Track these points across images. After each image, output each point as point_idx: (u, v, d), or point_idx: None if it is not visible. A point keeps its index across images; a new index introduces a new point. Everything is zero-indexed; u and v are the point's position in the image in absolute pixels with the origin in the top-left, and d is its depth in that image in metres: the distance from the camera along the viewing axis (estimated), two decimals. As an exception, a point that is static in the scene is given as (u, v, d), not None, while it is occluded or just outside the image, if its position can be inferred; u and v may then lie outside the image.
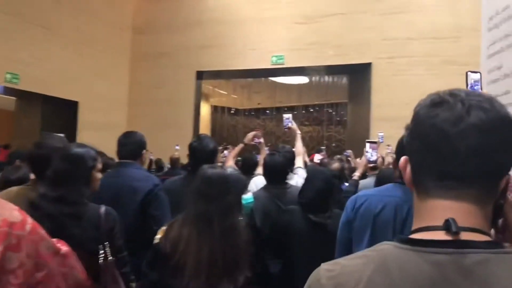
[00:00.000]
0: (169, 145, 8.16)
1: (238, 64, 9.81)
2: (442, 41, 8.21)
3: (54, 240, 1.41)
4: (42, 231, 1.33)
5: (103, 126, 9.64)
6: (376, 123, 8.51)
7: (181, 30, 10.29)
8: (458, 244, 0.66)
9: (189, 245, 1.77)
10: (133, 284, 1.99)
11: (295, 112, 15.45)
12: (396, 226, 1.62)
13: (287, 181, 2.84)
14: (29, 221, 1.27)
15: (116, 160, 2.69)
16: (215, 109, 15.84)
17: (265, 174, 2.84)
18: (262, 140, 4.34)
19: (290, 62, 9.41)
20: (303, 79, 12.79)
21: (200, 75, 10.35)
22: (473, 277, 0.63)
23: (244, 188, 2.45)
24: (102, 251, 1.80)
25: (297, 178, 3.16)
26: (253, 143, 4.32)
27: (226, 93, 14.56)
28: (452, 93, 0.76)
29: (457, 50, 8.09)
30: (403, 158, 0.79)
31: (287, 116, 3.80)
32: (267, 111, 15.93)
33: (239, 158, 4.79)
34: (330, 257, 2.08)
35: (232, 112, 16.16)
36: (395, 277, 0.66)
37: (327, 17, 9.07)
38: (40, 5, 8.51)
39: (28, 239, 1.22)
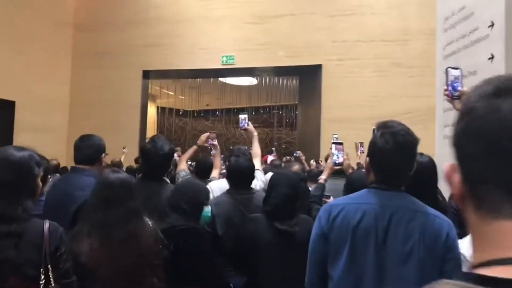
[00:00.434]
0: (114, 148, 7.73)
1: (187, 64, 9.54)
2: (391, 44, 8.35)
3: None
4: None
5: (43, 128, 9.11)
6: (327, 125, 8.52)
7: (125, 28, 9.87)
8: None
9: (91, 256, 1.71)
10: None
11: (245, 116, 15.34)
12: (378, 236, 1.46)
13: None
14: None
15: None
16: (162, 111, 15.41)
17: (229, 178, 2.64)
18: (216, 142, 4.14)
19: (241, 63, 9.26)
20: (253, 80, 12.70)
21: (147, 75, 9.98)
22: None
23: (207, 198, 2.23)
24: (43, 277, 1.51)
25: (256, 181, 2.97)
26: (206, 145, 4.12)
27: (173, 93, 14.19)
28: None
29: (405, 53, 8.26)
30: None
31: (244, 116, 3.59)
32: (217, 112, 15.70)
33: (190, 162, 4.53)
34: (298, 268, 1.94)
35: (180, 113, 15.79)
36: None
37: (278, 17, 8.99)
38: (-30, -3, 7.89)
39: None
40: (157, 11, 9.74)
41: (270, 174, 3.03)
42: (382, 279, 1.45)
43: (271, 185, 2.27)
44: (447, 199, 2.31)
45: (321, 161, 6.85)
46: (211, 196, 2.74)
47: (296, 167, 3.35)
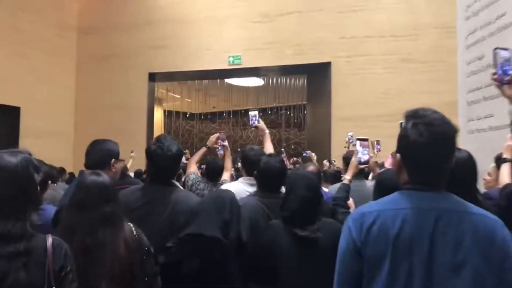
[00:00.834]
0: (121, 152, 7.52)
1: (193, 65, 9.39)
2: (401, 39, 8.13)
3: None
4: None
5: (48, 133, 9.02)
6: (337, 123, 8.34)
7: (130, 30, 9.75)
8: None
9: (79, 262, 1.56)
10: None
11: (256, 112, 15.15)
12: (423, 247, 1.24)
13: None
14: None
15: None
16: (168, 114, 15.27)
17: (259, 179, 2.45)
18: (226, 142, 3.97)
19: (247, 63, 9.09)
20: (260, 81, 12.52)
21: (153, 77, 9.84)
22: None
23: (239, 208, 2.06)
24: (47, 300, 1.33)
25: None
26: (216, 146, 3.94)
27: (179, 96, 14.05)
28: None
29: (415, 48, 8.04)
30: None
31: (254, 113, 3.37)
32: (224, 114, 15.53)
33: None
34: (323, 279, 1.75)
35: (187, 116, 15.63)
36: None
37: (284, 15, 8.82)
38: (-27, 2, 7.80)
39: None
40: (162, 12, 9.60)
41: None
42: (431, 297, 1.23)
43: (289, 187, 2.08)
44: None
45: (334, 160, 6.63)
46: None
47: (311, 167, 3.14)
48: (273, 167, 2.36)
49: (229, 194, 2.07)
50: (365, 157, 2.40)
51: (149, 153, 2.12)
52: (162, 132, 14.74)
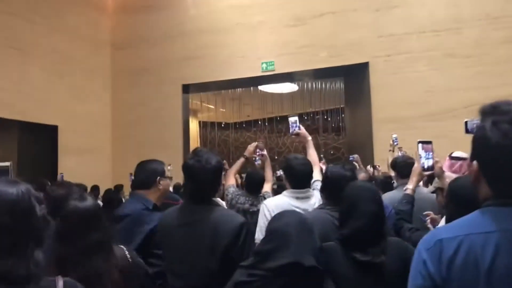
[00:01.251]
0: (158, 165, 7.51)
1: (226, 74, 9.24)
2: (442, 34, 7.71)
3: None
4: None
5: (86, 150, 9.09)
6: (379, 126, 7.97)
7: (162, 43, 9.72)
8: None
9: None
10: None
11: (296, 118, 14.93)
12: None
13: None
14: None
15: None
16: (204, 125, 15.23)
17: (325, 191, 2.22)
18: (265, 152, 3.75)
19: (281, 68, 8.85)
20: (294, 87, 12.28)
21: (187, 89, 9.75)
22: None
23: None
24: None
25: (319, 196, 2.53)
26: (256, 155, 3.73)
27: (213, 107, 14.00)
28: None
29: (458, 42, 7.60)
30: None
31: (294, 119, 3.10)
32: (259, 122, 15.37)
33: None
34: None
35: (222, 126, 15.57)
36: None
37: (317, 17, 8.54)
38: (13, 25, 7.97)
39: None
40: (194, 23, 9.52)
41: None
42: None
43: (350, 201, 1.79)
44: None
45: (378, 165, 6.28)
46: (269, 216, 2.33)
47: (362, 174, 2.87)
48: (344, 177, 2.09)
49: (304, 216, 1.82)
50: (429, 163, 2.09)
51: (187, 168, 1.89)
52: (198, 143, 14.71)
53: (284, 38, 8.78)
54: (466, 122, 2.18)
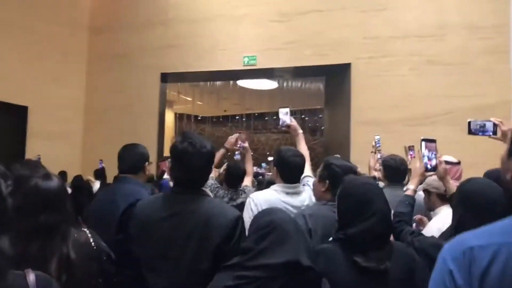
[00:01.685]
0: (132, 154, 7.26)
1: (206, 66, 9.03)
2: (426, 40, 7.72)
3: None
4: None
5: (57, 134, 8.75)
6: (357, 128, 7.93)
7: (142, 29, 9.42)
8: None
9: None
10: None
11: (266, 118, 14.85)
12: None
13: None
14: None
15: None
16: (180, 117, 14.96)
17: (335, 185, 1.98)
18: (247, 144, 3.61)
19: (263, 63, 8.71)
20: (274, 84, 12.15)
21: (165, 78, 9.49)
22: None
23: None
24: None
25: (309, 192, 2.40)
26: (236, 148, 3.59)
27: (191, 99, 13.74)
28: None
29: (441, 49, 7.62)
30: None
31: (285, 110, 2.91)
32: (236, 117, 15.22)
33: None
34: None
35: (198, 119, 15.33)
36: None
37: (304, 14, 8.43)
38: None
39: None
40: (176, 11, 9.28)
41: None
42: None
43: (358, 198, 1.59)
44: None
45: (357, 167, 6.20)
46: (256, 211, 2.18)
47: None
48: (349, 169, 1.95)
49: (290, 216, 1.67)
50: (432, 163, 1.97)
51: (178, 153, 1.67)
52: (173, 134, 14.42)
53: (268, 33, 8.63)
54: (469, 122, 2.09)
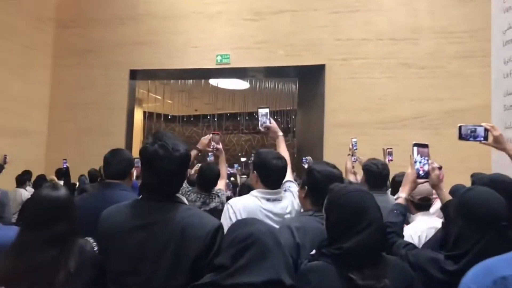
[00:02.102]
0: (98, 155, 6.92)
1: (178, 63, 8.81)
2: (399, 43, 7.74)
3: None
4: None
5: (20, 131, 8.35)
6: (330, 130, 7.89)
7: (111, 25, 9.11)
8: None
9: (10, 283, 1.48)
10: None
11: (238, 119, 14.69)
12: None
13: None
14: None
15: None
16: (149, 115, 14.61)
17: (314, 194, 1.88)
18: (220, 145, 3.44)
19: (236, 62, 8.55)
20: (246, 85, 12.02)
21: (134, 75, 9.21)
22: None
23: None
24: None
25: (291, 198, 2.24)
26: (209, 149, 3.41)
27: (161, 98, 13.44)
28: None
29: (414, 53, 7.66)
30: None
31: (264, 111, 2.71)
32: (208, 117, 15.00)
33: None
34: None
35: (168, 118, 15.03)
36: None
37: (277, 14, 8.33)
38: None
39: None
40: (147, 7, 9.01)
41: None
42: None
43: (351, 208, 1.42)
44: None
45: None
46: (234, 219, 2.02)
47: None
48: (334, 176, 1.80)
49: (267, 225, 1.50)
50: (425, 168, 1.86)
51: (148, 156, 1.49)
52: (142, 133, 14.06)
53: (241, 31, 8.49)
54: (460, 127, 2.00)
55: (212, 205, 3.26)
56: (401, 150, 5.48)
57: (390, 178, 3.52)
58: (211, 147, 3.40)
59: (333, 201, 1.48)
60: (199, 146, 3.38)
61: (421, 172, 1.85)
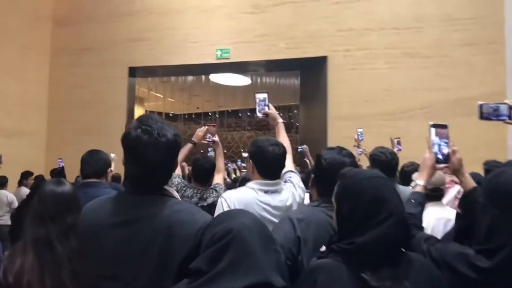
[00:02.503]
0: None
1: (177, 59, 8.66)
2: (403, 32, 7.55)
3: None
4: None
5: (18, 132, 8.28)
6: (334, 123, 7.73)
7: (109, 22, 8.99)
8: None
9: (32, 277, 1.47)
10: None
11: (240, 115, 14.54)
12: None
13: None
14: None
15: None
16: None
17: (321, 183, 1.70)
18: (217, 138, 3.29)
19: (236, 57, 8.40)
20: (247, 81, 11.84)
21: (133, 72, 9.07)
22: None
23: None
24: None
25: (292, 189, 2.09)
26: (205, 142, 3.27)
27: (162, 96, 13.31)
28: None
29: (418, 42, 7.47)
30: None
31: (262, 96, 2.51)
32: (209, 114, 14.87)
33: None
34: None
35: (170, 116, 14.90)
36: None
37: (277, 6, 8.16)
38: None
39: None
40: (144, 2, 8.88)
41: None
42: None
43: (367, 197, 1.22)
44: None
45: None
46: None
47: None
48: (344, 164, 1.60)
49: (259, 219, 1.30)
50: (444, 152, 1.65)
51: (130, 142, 1.32)
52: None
53: (241, 25, 8.34)
54: (480, 105, 1.83)
55: (210, 200, 3.10)
56: (407, 142, 5.35)
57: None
58: (207, 139, 3.27)
59: (345, 189, 1.28)
60: (194, 138, 3.25)
61: (440, 156, 1.64)
